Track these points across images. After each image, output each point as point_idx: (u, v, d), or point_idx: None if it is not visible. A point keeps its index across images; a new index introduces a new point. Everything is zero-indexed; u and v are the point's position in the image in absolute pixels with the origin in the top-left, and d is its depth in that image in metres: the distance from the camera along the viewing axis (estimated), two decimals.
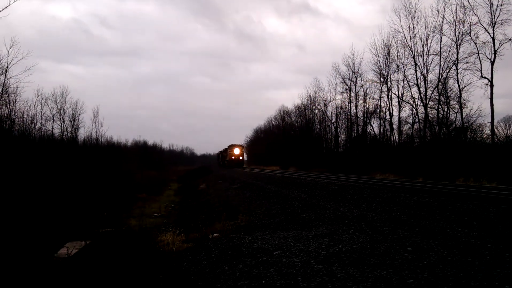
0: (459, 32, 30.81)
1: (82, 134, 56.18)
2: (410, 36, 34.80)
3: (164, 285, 6.48)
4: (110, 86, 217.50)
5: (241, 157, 64.82)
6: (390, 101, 38.80)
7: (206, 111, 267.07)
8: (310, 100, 56.82)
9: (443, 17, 32.04)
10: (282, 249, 7.08)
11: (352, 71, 44.33)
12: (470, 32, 29.98)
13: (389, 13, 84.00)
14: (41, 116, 42.19)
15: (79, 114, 47.65)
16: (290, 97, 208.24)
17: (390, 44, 37.57)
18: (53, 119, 44.38)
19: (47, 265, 8.24)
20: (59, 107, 45.27)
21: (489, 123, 29.32)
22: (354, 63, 44.01)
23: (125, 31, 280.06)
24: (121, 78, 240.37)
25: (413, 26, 34.68)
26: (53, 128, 44.25)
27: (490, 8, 28.52)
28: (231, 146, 65.54)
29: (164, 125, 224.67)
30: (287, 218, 11.09)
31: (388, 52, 37.95)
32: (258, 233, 9.42)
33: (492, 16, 28.45)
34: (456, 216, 8.41)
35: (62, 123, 45.70)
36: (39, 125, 41.62)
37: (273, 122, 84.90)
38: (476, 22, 29.35)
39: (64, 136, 45.45)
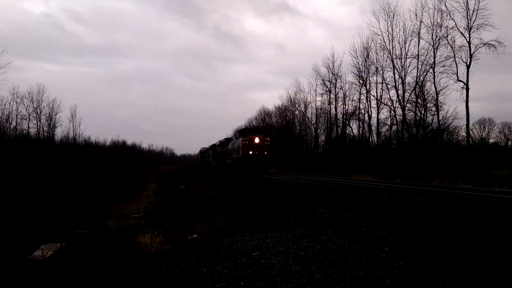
0: (436, 36, 31.51)
1: (59, 133, 55.34)
2: (389, 39, 35.39)
3: (142, 287, 6.39)
4: (88, 85, 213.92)
5: (265, 152, 32.87)
6: (369, 103, 39.33)
7: (187, 111, 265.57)
8: (291, 101, 57.04)
9: (421, 21, 32.68)
10: (261, 250, 7.08)
11: (332, 73, 44.72)
12: (447, 36, 30.73)
13: (368, 16, 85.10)
14: (16, 115, 41.36)
15: (56, 113, 46.81)
16: (271, 98, 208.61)
17: (370, 47, 38.09)
18: (29, 118, 43.57)
19: (20, 268, 8.04)
20: (35, 106, 44.41)
21: (465, 126, 30.09)
22: (334, 65, 44.40)
23: (101, 28, 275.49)
24: (100, 77, 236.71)
25: (392, 30, 35.27)
26: (29, 127, 43.44)
27: (467, 13, 29.25)
28: (245, 132, 35.02)
29: (144, 125, 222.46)
30: (266, 219, 11.10)
31: (367, 55, 38.49)
32: (238, 234, 9.39)
33: (468, 20, 29.18)
34: (432, 216, 8.56)
35: (39, 122, 44.84)
36: (14, 124, 40.77)
37: (253, 123, 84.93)
38: (453, 27, 30.08)
39: (40, 136, 44.55)
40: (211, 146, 54.01)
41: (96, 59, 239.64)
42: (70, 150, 47.03)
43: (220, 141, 46.73)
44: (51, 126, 46.49)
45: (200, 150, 77.71)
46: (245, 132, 34.34)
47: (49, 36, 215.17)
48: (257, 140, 31.60)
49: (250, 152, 31.12)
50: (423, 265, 5.34)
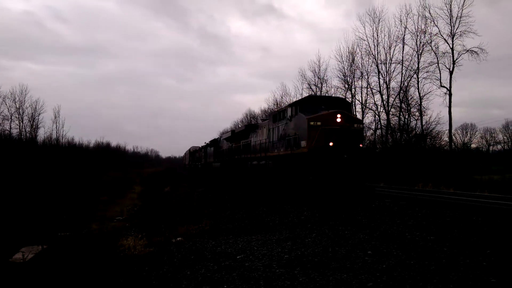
0: (420, 42, 32.00)
1: (42, 134, 54.36)
2: (374, 44, 35.76)
3: None
4: (72, 85, 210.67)
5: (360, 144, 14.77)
6: (354, 107, 39.62)
7: (172, 113, 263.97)
8: (277, 104, 57.09)
9: (405, 27, 33.13)
10: (246, 253, 7.07)
11: (318, 77, 44.85)
12: (430, 42, 31.25)
13: (353, 19, 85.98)
14: None
15: (39, 114, 46.14)
16: (257, 101, 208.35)
17: (355, 52, 38.41)
18: (11, 118, 42.83)
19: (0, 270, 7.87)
20: (17, 106, 43.72)
21: (447, 131, 30.61)
22: (320, 69, 44.61)
23: (84, 27, 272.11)
24: (84, 77, 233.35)
25: (377, 35, 35.65)
26: (10, 128, 42.73)
27: (450, 20, 29.79)
28: (312, 104, 15.97)
29: (129, 126, 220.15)
30: (251, 222, 11.09)
31: (353, 60, 38.78)
32: (222, 237, 9.36)
33: (451, 27, 29.73)
34: (415, 220, 8.67)
35: (21, 123, 44.12)
36: None
37: (239, 126, 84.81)
38: (437, 33, 30.59)
39: (22, 136, 43.81)
40: (211, 141, 40.12)
41: (80, 59, 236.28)
42: (53, 151, 46.34)
43: (232, 131, 31.47)
44: (34, 127, 45.84)
45: (189, 150, 65.52)
46: (311, 104, 16.01)
47: (31, 35, 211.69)
48: (339, 119, 14.50)
49: (331, 144, 14.16)
50: (406, 268, 5.40)
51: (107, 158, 75.27)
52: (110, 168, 60.81)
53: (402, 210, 10.03)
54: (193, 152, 60.32)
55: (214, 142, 38.70)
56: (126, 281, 6.63)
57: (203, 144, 49.47)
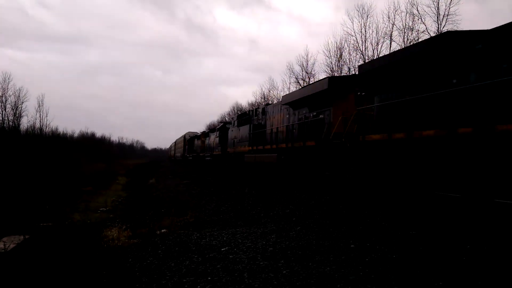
0: (408, 39, 32.21)
1: (25, 123, 53.55)
2: (362, 40, 35.92)
3: (108, 281, 6.30)
4: (56, 74, 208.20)
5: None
6: None
7: (158, 105, 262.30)
8: (264, 98, 57.12)
9: (393, 24, 33.20)
10: (230, 245, 7.10)
11: (306, 72, 44.96)
12: (418, 39, 31.39)
13: (342, 13, 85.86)
14: None
15: (22, 102, 45.56)
16: (244, 94, 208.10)
17: (343, 47, 38.49)
18: None
19: None
20: (0, 94, 42.83)
21: None
22: (308, 64, 44.69)
23: (68, 15, 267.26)
24: (68, 67, 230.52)
25: (365, 31, 35.78)
26: None
27: (437, 17, 30.00)
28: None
29: (114, 117, 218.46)
30: (236, 215, 11.12)
31: (341, 55, 38.90)
32: (207, 229, 9.38)
33: (438, 25, 29.94)
34: (398, 214, 8.79)
35: (4, 111, 43.39)
36: None
37: (226, 119, 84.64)
38: (424, 30, 30.61)
39: (5, 125, 43.07)
40: (221, 126, 33.39)
41: (64, 47, 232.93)
42: (36, 140, 45.67)
43: (250, 110, 26.50)
44: (17, 115, 45.15)
45: (183, 138, 54.83)
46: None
47: (13, 21, 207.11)
48: None
49: None
50: (388, 262, 5.48)
51: (92, 148, 74.46)
52: (94, 159, 60.20)
53: (386, 203, 10.15)
54: (191, 140, 48.98)
55: (222, 129, 31.68)
56: (109, 272, 6.60)
57: (207, 129, 43.01)
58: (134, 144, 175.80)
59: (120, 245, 8.70)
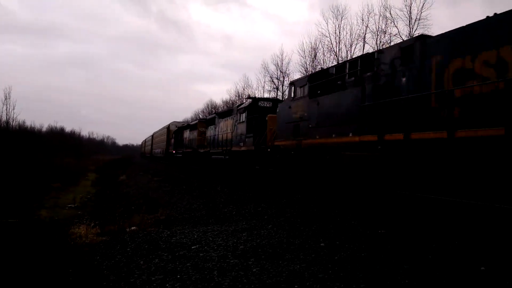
0: (380, 42, 32.82)
1: None
2: (336, 42, 36.34)
3: (74, 280, 6.14)
4: (25, 66, 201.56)
5: None
6: None
7: (131, 100, 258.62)
8: (239, 96, 57.09)
9: (366, 26, 33.71)
10: (201, 243, 7.05)
11: (280, 71, 45.27)
12: (390, 42, 32.07)
13: (317, 13, 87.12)
14: None
15: None
16: (219, 92, 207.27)
17: (317, 48, 38.81)
18: None
19: None
20: None
21: None
22: (282, 63, 44.91)
23: (37, 5, 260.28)
24: (36, 58, 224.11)
25: (339, 32, 36.18)
26: None
27: (409, 21, 30.73)
28: None
29: (84, 112, 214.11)
30: (208, 213, 11.06)
31: (315, 55, 39.34)
32: (178, 227, 9.29)
33: (410, 29, 30.68)
34: (368, 213, 8.94)
35: None
36: None
37: (200, 116, 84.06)
38: (396, 34, 31.11)
39: None
40: (250, 102, 22.04)
41: (33, 38, 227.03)
42: (2, 134, 44.21)
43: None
44: None
45: (167, 128, 45.20)
46: None
47: None
48: None
49: None
50: (356, 260, 5.56)
51: (61, 143, 72.64)
52: (64, 154, 58.74)
53: (357, 203, 10.31)
54: (180, 131, 37.89)
55: (242, 110, 22.10)
56: (75, 270, 6.44)
57: (206, 117, 31.61)
58: (105, 140, 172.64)
59: (88, 243, 8.51)
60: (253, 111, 20.87)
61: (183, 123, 41.95)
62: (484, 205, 8.32)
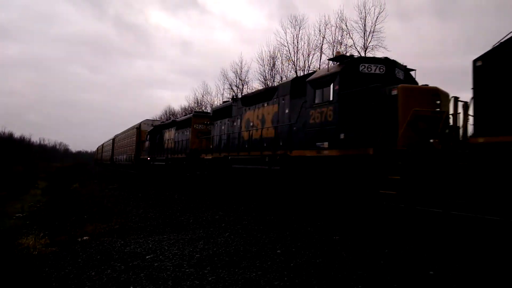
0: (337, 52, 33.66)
1: None
2: (294, 51, 36.92)
3: None
4: None
5: None
6: None
7: (84, 104, 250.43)
8: (198, 103, 56.61)
9: (323, 37, 34.45)
10: (156, 253, 6.90)
11: (240, 79, 45.29)
12: (346, 53, 32.92)
13: (275, 24, 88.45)
14: None
15: None
16: (176, 98, 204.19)
17: (276, 57, 39.22)
18: None
19: None
20: None
21: None
22: (242, 71, 45.02)
23: None
24: None
25: (297, 42, 36.80)
26: None
27: (364, 34, 31.70)
28: None
29: (33, 116, 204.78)
30: (165, 221, 10.85)
31: (274, 64, 39.68)
32: (132, 236, 9.05)
33: (365, 41, 31.66)
34: (323, 221, 9.09)
35: None
36: None
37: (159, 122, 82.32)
38: (352, 45, 32.02)
39: None
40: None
41: None
42: None
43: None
44: None
45: (136, 130, 36.20)
46: None
47: None
48: None
49: None
50: (312, 266, 5.63)
51: (9, 150, 69.20)
52: (12, 162, 55.95)
53: (313, 210, 10.46)
54: (158, 131, 30.04)
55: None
56: (22, 283, 6.13)
57: (211, 109, 25.23)
58: (57, 146, 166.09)
59: (37, 254, 8.13)
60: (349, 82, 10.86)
61: (162, 121, 33.66)
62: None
